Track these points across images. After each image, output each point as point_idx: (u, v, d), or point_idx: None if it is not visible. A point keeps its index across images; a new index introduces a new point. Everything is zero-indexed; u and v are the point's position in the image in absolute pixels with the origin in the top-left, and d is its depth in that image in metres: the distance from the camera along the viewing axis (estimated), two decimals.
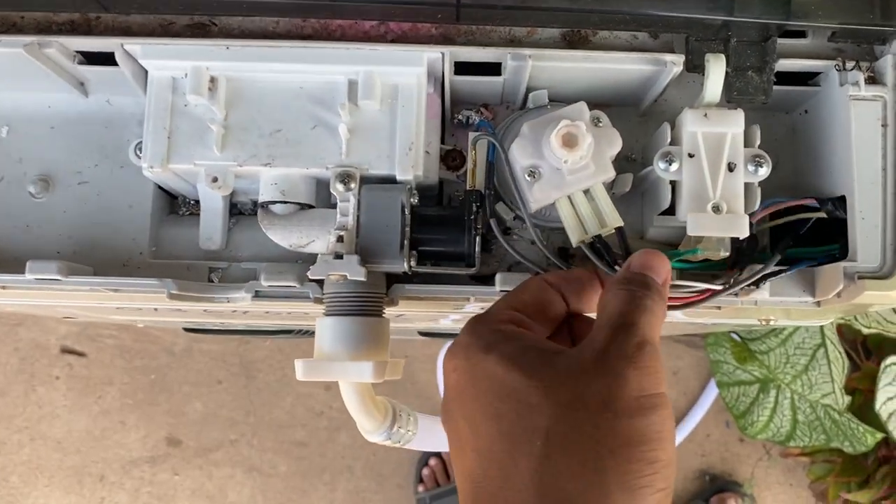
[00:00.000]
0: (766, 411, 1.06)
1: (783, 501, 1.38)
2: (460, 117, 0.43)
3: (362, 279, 0.37)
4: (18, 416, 1.42)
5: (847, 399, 0.91)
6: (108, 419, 1.42)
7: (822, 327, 0.90)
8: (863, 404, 1.03)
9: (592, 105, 0.40)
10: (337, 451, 1.41)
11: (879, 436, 0.96)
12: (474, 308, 0.48)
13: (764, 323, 0.47)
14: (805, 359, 0.91)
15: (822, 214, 0.38)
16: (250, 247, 0.43)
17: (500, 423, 0.29)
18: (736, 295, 0.38)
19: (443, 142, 0.43)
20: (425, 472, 1.37)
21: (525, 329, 0.33)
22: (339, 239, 0.37)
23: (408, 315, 0.51)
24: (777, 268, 0.37)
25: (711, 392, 1.40)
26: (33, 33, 0.39)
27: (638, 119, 0.44)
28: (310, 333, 0.97)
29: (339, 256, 0.37)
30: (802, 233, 0.39)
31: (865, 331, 0.84)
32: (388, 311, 0.41)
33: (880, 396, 0.88)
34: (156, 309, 0.49)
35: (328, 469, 1.41)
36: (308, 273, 0.37)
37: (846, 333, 1.14)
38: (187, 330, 0.76)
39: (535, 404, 0.28)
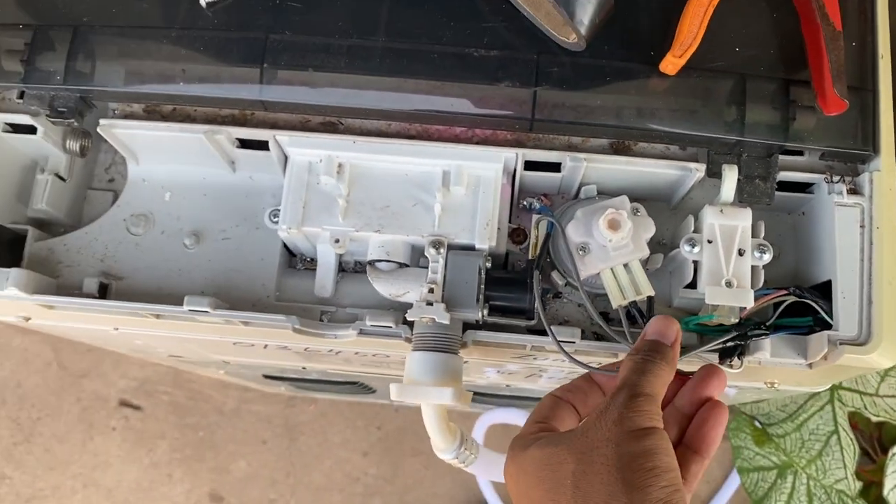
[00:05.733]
0: (784, 496, 1.12)
1: None
2: (524, 203, 0.55)
3: (446, 322, 0.48)
4: (75, 462, 1.51)
5: (859, 484, 0.97)
6: (157, 471, 1.51)
7: (834, 415, 0.97)
8: (878, 497, 1.09)
9: (632, 199, 0.51)
10: None
11: None
12: (528, 365, 0.58)
13: (769, 386, 0.56)
14: (819, 444, 0.98)
15: (794, 298, 0.48)
16: (352, 297, 0.54)
17: (542, 484, 0.39)
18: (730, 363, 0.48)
19: (510, 221, 0.54)
20: None
21: (551, 431, 0.44)
22: (430, 290, 0.48)
23: (468, 364, 0.61)
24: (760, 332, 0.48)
25: (734, 481, 1.45)
26: (203, 122, 0.52)
27: (669, 212, 0.55)
28: (359, 391, 1.06)
29: (429, 304, 0.48)
30: (780, 311, 0.49)
31: (874, 418, 0.92)
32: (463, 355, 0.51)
33: (888, 483, 0.94)
34: (265, 346, 0.60)
35: None
36: (406, 315, 0.48)
37: (863, 429, 1.20)
38: (266, 377, 0.86)
39: (563, 460, 0.39)
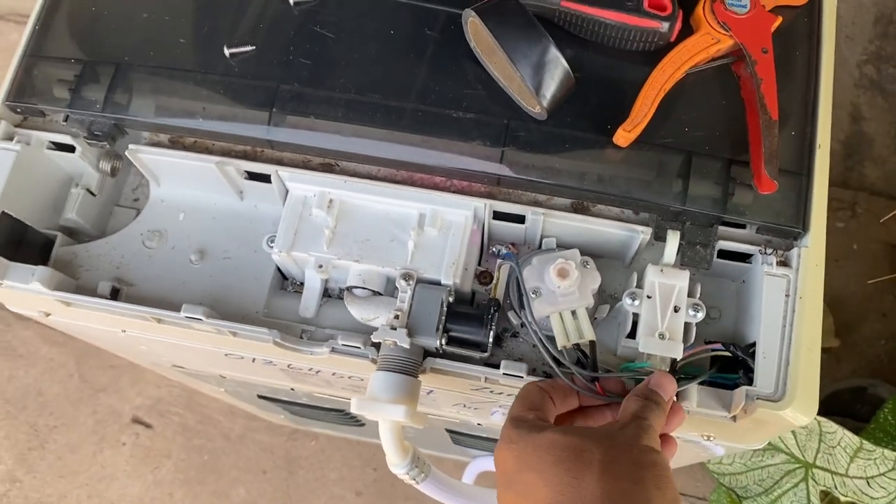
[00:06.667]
0: None
1: None
2: (494, 249, 0.61)
3: (407, 347, 0.54)
4: (83, 472, 1.57)
5: None
6: (160, 490, 1.56)
7: (808, 494, 0.99)
8: None
9: (589, 255, 0.57)
10: None
11: None
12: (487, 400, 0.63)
13: (706, 438, 0.60)
14: None
15: (722, 351, 0.53)
16: (332, 319, 0.60)
17: (562, 463, 0.44)
18: None
19: (479, 264, 0.60)
20: None
21: (544, 420, 0.49)
22: (396, 317, 0.54)
23: (435, 395, 0.66)
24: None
25: None
26: (219, 155, 0.59)
27: (623, 269, 0.60)
28: (348, 421, 1.12)
29: (393, 328, 0.54)
30: (715, 363, 0.54)
31: (843, 499, 0.94)
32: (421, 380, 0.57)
33: None
34: (253, 360, 0.66)
35: None
36: (372, 336, 0.54)
37: None
38: (261, 397, 0.92)
39: (588, 449, 0.44)
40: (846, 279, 1.67)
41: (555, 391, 0.52)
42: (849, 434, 0.91)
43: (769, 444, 1.02)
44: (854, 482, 0.94)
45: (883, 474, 0.91)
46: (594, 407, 0.54)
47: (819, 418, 0.95)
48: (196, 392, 1.61)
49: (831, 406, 1.41)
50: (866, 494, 0.92)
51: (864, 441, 0.90)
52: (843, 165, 1.83)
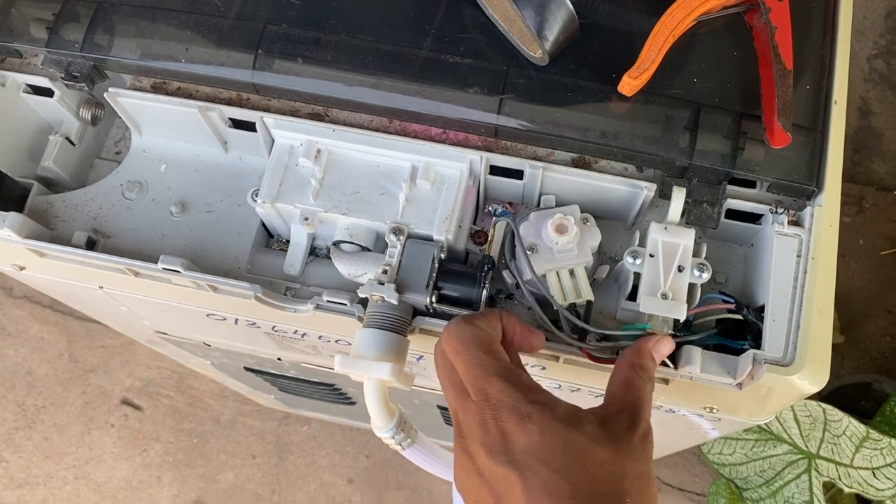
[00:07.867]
0: None
1: None
2: (490, 208, 0.58)
3: (394, 303, 0.51)
4: (71, 454, 1.54)
5: None
6: (147, 472, 1.53)
7: (811, 485, 0.96)
8: None
9: (589, 213, 0.54)
10: None
11: None
12: None
13: (708, 411, 0.57)
14: None
15: (739, 317, 0.50)
16: (318, 278, 0.57)
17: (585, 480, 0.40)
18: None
19: (474, 223, 0.57)
20: None
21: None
22: (384, 272, 0.51)
23: (426, 362, 0.63)
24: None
25: None
26: (203, 101, 0.56)
27: (625, 231, 0.57)
28: (339, 399, 1.09)
29: (381, 283, 0.51)
30: (721, 327, 0.51)
31: (846, 489, 0.91)
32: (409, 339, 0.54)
33: None
34: (236, 321, 0.63)
35: None
36: (358, 290, 0.51)
37: None
38: (248, 370, 0.89)
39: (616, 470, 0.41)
40: (852, 275, 1.64)
41: (492, 328, 0.46)
42: (854, 422, 0.88)
43: (771, 433, 0.99)
44: (859, 473, 0.90)
45: (889, 465, 0.88)
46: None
47: (824, 405, 0.92)
48: (187, 375, 1.59)
49: (835, 402, 1.37)
50: (871, 486, 0.89)
51: (871, 430, 0.87)
52: (850, 160, 1.80)
